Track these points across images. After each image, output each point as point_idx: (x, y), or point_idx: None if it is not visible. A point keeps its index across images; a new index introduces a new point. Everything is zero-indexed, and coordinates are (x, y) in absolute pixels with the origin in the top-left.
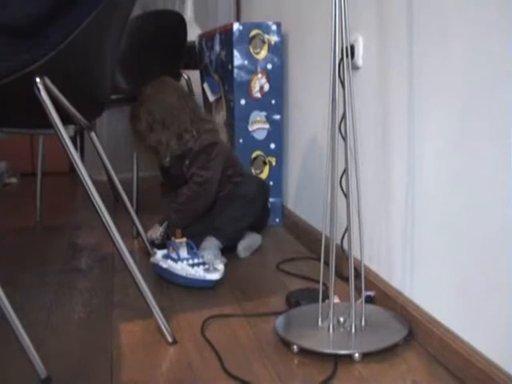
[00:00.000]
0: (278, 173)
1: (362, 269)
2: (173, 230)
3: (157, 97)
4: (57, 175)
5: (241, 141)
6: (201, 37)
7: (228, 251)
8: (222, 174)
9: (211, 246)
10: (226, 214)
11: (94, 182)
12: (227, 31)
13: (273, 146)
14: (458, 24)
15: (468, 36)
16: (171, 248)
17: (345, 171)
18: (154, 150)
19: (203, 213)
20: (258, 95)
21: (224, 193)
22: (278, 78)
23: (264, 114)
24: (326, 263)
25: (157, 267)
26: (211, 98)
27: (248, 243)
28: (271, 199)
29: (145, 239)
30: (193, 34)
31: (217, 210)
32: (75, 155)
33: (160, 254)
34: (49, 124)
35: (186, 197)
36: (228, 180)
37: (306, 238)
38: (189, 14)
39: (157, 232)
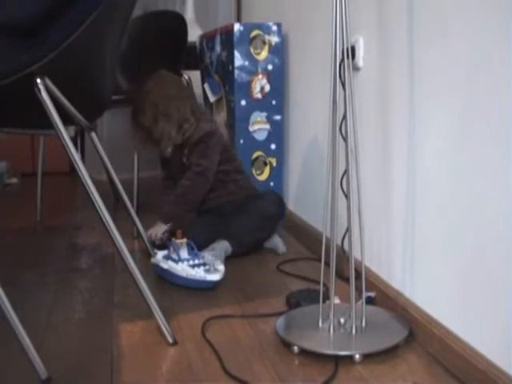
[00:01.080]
0: (278, 173)
1: (363, 269)
2: (175, 228)
3: (159, 89)
4: (57, 175)
5: (241, 141)
6: (201, 37)
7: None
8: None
9: (218, 248)
10: (242, 223)
11: (95, 182)
12: (228, 32)
13: (273, 146)
14: (458, 24)
15: (468, 36)
16: (172, 249)
17: (345, 172)
18: (155, 143)
19: (200, 201)
20: (259, 96)
21: (226, 191)
22: (278, 78)
23: (264, 114)
24: (327, 264)
25: (157, 268)
26: (212, 98)
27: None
28: None
29: (145, 239)
30: (193, 34)
31: (231, 220)
32: (76, 155)
33: (160, 254)
34: (49, 124)
35: (185, 187)
36: (227, 177)
37: (307, 238)
38: (189, 15)
39: (162, 229)
